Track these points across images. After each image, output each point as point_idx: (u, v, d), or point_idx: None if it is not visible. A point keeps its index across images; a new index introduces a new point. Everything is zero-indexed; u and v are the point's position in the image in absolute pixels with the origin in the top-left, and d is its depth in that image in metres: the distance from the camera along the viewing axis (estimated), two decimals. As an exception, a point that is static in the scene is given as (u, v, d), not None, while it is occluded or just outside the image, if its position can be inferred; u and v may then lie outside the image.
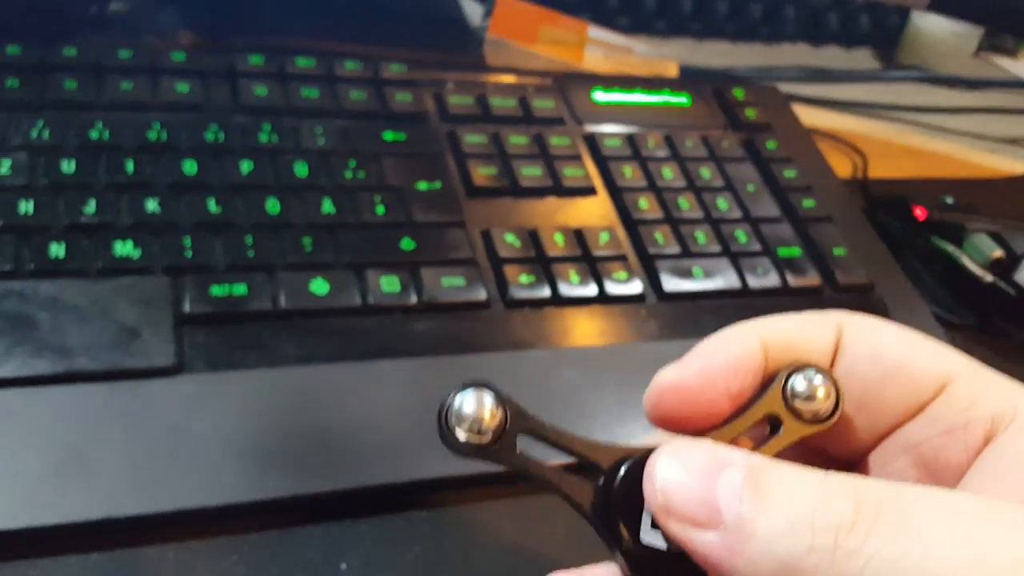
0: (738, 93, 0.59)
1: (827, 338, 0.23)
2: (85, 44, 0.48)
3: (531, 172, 0.49)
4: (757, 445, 0.22)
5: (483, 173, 0.48)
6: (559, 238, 0.45)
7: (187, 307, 0.38)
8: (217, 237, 0.41)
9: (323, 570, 0.32)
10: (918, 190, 0.60)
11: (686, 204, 0.50)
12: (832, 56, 0.87)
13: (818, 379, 0.22)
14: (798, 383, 0.22)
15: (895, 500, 0.18)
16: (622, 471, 0.21)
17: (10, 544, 0.31)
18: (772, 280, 0.48)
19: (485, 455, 0.21)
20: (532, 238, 0.45)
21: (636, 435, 0.36)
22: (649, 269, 0.46)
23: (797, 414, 0.22)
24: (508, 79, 0.55)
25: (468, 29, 0.68)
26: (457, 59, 0.62)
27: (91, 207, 0.40)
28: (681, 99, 0.58)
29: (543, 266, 0.44)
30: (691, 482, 0.19)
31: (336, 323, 0.39)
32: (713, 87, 0.60)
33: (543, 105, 0.53)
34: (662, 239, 0.47)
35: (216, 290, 0.38)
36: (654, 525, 0.20)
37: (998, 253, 0.52)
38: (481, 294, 0.42)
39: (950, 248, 0.54)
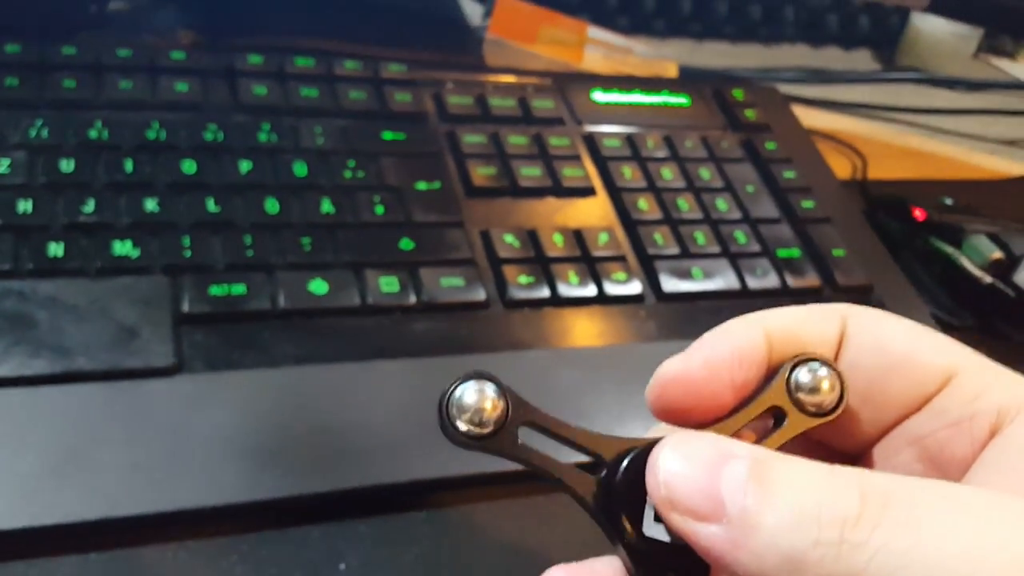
0: (737, 94, 0.59)
1: (831, 330, 0.23)
2: (84, 43, 0.48)
3: (530, 172, 0.49)
4: (760, 438, 0.22)
5: (482, 173, 0.48)
6: (558, 238, 0.45)
7: (186, 307, 0.38)
8: (216, 237, 0.40)
9: (322, 570, 0.32)
10: (917, 191, 0.60)
11: (685, 205, 0.50)
12: (832, 57, 0.87)
13: (822, 371, 0.22)
14: (802, 375, 0.22)
15: (901, 493, 0.17)
16: (625, 463, 0.21)
17: (8, 544, 0.30)
18: (771, 281, 0.48)
19: (486, 446, 0.21)
20: (531, 238, 0.45)
21: (636, 435, 0.35)
22: (648, 269, 0.46)
23: (801, 406, 0.22)
24: (507, 79, 0.55)
25: (468, 29, 0.68)
26: (457, 59, 0.62)
27: (90, 206, 0.40)
28: (680, 100, 0.58)
29: (542, 266, 0.44)
30: (695, 475, 0.19)
31: (335, 323, 0.39)
32: (713, 88, 0.60)
33: (542, 105, 0.53)
34: (661, 240, 0.47)
35: (215, 290, 0.38)
36: (657, 518, 0.20)
37: (997, 254, 0.52)
38: (480, 294, 0.42)
39: (949, 249, 0.54)
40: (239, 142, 0.45)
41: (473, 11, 0.69)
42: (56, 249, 0.38)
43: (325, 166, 0.45)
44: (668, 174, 0.51)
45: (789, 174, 0.54)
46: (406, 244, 0.43)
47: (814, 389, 0.22)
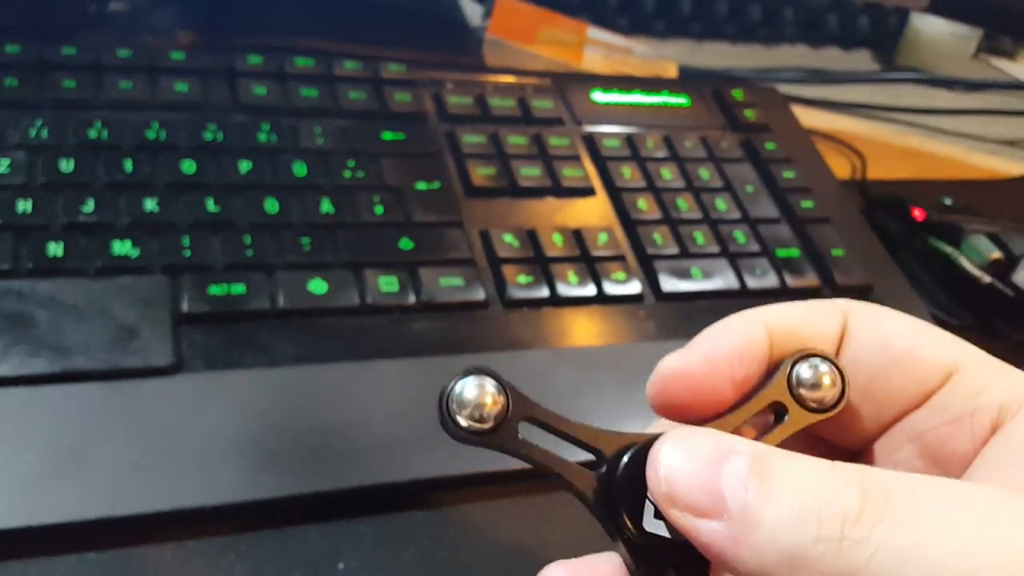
0: (737, 94, 0.59)
1: (833, 326, 0.23)
2: (84, 43, 0.48)
3: (530, 172, 0.49)
4: (761, 434, 0.22)
5: (482, 173, 0.48)
6: (558, 238, 0.45)
7: (185, 306, 0.37)
8: (215, 236, 0.40)
9: (321, 570, 0.32)
10: (917, 191, 0.60)
11: (685, 204, 0.50)
12: (831, 57, 0.87)
13: (824, 367, 0.22)
14: (803, 371, 0.22)
15: (902, 490, 0.17)
16: (625, 459, 0.21)
17: (8, 543, 0.30)
18: (771, 281, 0.48)
19: (486, 442, 0.21)
20: (531, 238, 0.45)
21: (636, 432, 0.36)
22: (647, 269, 0.46)
23: (802, 402, 0.22)
24: (507, 79, 0.55)
25: (467, 29, 0.68)
26: (456, 59, 0.62)
27: (89, 206, 0.40)
28: (680, 100, 0.58)
29: (541, 266, 0.44)
30: (695, 470, 0.18)
31: (334, 323, 0.39)
32: (712, 88, 0.60)
33: (542, 105, 0.53)
34: (661, 239, 0.47)
35: (214, 289, 0.38)
36: (657, 514, 0.20)
37: (996, 254, 0.52)
38: (479, 294, 0.42)
39: (948, 249, 0.54)
40: (239, 142, 0.45)
41: (473, 11, 0.69)
42: (56, 249, 0.38)
43: (325, 166, 0.45)
44: (667, 174, 0.51)
45: (788, 174, 0.54)
46: (406, 244, 0.43)
47: (815, 385, 0.22)
